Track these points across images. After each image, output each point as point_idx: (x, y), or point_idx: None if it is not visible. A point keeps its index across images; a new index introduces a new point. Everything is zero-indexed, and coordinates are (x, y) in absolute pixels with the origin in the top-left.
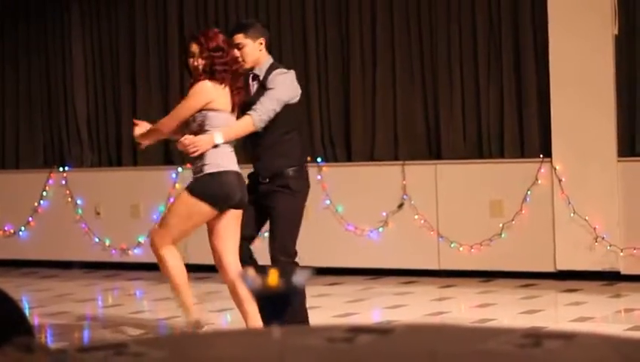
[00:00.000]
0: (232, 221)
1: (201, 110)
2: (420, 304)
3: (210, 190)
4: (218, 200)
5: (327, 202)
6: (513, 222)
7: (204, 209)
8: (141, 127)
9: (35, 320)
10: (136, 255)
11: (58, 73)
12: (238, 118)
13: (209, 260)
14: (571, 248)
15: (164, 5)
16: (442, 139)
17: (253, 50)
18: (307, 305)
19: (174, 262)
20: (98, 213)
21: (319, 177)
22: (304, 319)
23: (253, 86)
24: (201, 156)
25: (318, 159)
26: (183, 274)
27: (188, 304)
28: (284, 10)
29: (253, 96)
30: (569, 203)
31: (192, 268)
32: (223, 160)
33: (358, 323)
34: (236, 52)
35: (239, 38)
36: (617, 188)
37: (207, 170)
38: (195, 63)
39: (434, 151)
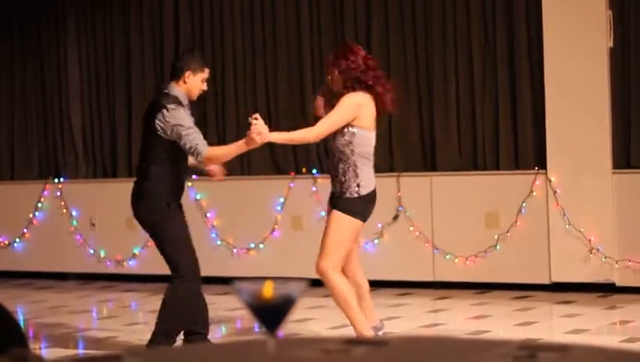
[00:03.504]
0: None
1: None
2: (415, 316)
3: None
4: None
5: (323, 213)
6: (508, 234)
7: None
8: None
9: (30, 332)
10: (132, 266)
11: (53, 84)
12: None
13: (203, 272)
14: (566, 260)
15: (159, 16)
16: (437, 150)
17: None
18: (296, 317)
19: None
20: (93, 225)
21: (314, 188)
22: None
23: None
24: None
25: (313, 170)
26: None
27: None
28: (278, 22)
29: None
30: (564, 215)
31: None
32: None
33: (353, 334)
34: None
35: None
36: (612, 200)
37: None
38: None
39: (429, 162)
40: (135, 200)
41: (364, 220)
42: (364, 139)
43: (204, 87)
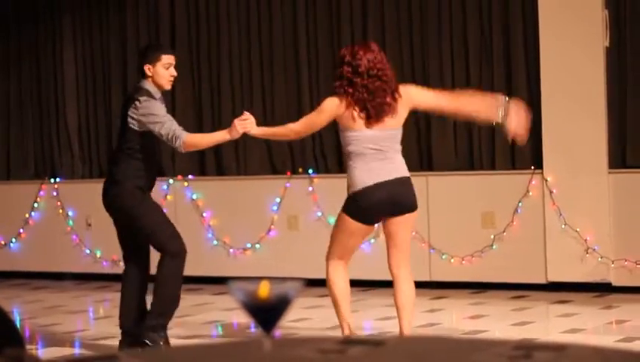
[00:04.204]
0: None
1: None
2: None
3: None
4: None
5: (319, 214)
6: (504, 234)
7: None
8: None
9: (26, 332)
10: None
11: (49, 84)
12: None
13: (200, 272)
14: (562, 260)
15: (155, 15)
16: (433, 150)
17: None
18: (292, 317)
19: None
20: (89, 225)
21: (310, 188)
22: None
23: None
24: None
25: (310, 170)
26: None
27: (342, 320)
28: (275, 23)
29: None
30: (560, 214)
31: (184, 279)
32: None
33: (349, 334)
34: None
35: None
36: (608, 200)
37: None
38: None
39: (425, 162)
40: (107, 189)
41: (352, 216)
42: (352, 139)
43: (172, 72)
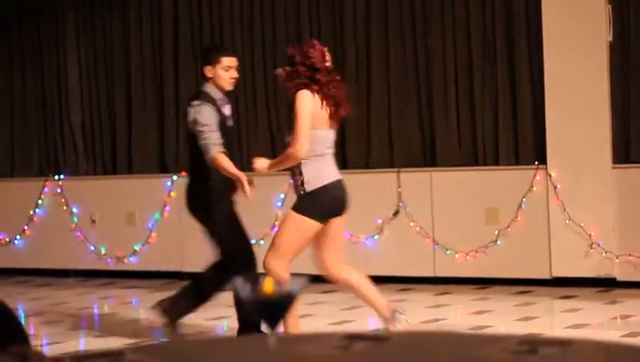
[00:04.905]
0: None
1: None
2: (415, 311)
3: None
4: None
5: None
6: (509, 229)
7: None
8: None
9: (30, 329)
10: (132, 263)
11: (53, 82)
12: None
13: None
14: (567, 255)
15: (158, 15)
16: (437, 146)
17: None
18: (301, 313)
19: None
20: (93, 221)
21: None
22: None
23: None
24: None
25: None
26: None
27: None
28: (278, 20)
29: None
30: (564, 210)
31: (188, 276)
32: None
33: (353, 330)
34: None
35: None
36: (612, 195)
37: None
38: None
39: (429, 158)
40: (190, 192)
41: (314, 215)
42: (317, 138)
43: (233, 74)
